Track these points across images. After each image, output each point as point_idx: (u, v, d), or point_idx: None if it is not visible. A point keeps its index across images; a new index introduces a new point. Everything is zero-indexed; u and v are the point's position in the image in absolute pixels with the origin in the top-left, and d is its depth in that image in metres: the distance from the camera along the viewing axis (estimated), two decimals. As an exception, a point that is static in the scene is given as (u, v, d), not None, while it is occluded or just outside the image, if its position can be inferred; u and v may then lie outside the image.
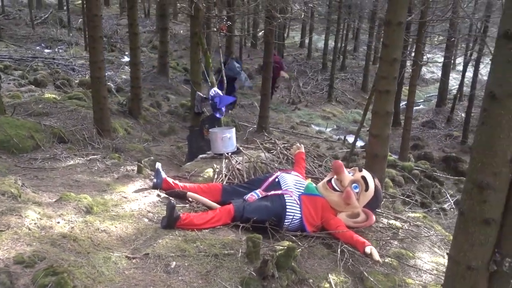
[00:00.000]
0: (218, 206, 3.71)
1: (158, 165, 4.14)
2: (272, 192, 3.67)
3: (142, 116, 7.93)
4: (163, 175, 4.04)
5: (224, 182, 4.32)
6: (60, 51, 13.57)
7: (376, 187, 3.72)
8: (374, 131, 4.26)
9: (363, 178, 3.67)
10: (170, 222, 3.22)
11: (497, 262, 1.69)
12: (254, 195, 3.71)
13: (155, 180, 4.02)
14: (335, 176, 3.75)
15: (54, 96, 7.50)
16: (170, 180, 4.03)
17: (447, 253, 1.83)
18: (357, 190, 3.63)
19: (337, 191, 3.67)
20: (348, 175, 3.73)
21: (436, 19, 8.02)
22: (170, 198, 3.76)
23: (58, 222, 2.87)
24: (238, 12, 9.65)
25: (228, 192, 3.89)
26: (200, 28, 6.24)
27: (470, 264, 1.71)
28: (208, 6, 7.37)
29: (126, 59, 14.24)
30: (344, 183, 3.65)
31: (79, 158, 4.82)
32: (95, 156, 4.95)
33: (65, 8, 19.74)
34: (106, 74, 7.14)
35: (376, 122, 4.23)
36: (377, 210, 4.10)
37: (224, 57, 12.22)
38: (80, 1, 19.53)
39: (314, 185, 3.88)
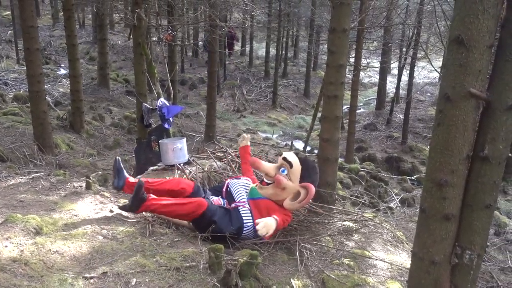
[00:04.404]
0: (185, 222, 3.64)
1: (118, 160, 3.81)
2: (232, 206, 3.66)
3: (84, 130, 7.64)
4: (126, 174, 3.77)
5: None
6: (-11, 65, 12.80)
7: (300, 159, 3.71)
8: (325, 136, 4.35)
9: (284, 158, 3.67)
10: (135, 202, 3.18)
11: (458, 255, 1.78)
12: (220, 200, 3.68)
13: (115, 180, 3.75)
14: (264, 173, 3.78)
15: (-14, 112, 7.07)
16: (133, 180, 3.78)
17: (411, 250, 1.90)
18: (285, 173, 3.63)
19: (269, 183, 3.67)
20: (270, 165, 3.77)
21: (374, 25, 8.36)
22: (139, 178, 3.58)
23: (6, 246, 2.69)
24: (181, 21, 9.57)
25: (200, 190, 3.82)
26: (143, 38, 6.12)
27: (433, 259, 1.79)
28: (147, 15, 7.25)
29: (63, 71, 13.70)
30: (271, 174, 3.64)
31: (21, 177, 4.56)
32: (38, 174, 4.70)
33: (-8, 19, 18.69)
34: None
35: (326, 126, 4.33)
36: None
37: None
38: (8, 12, 18.53)
39: None
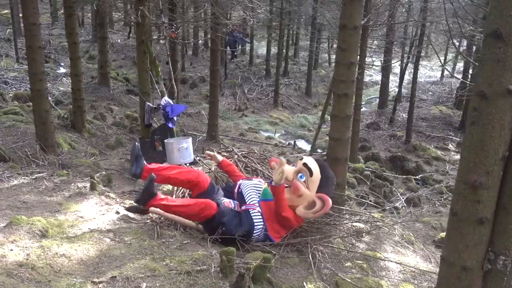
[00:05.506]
0: (193, 223, 3.54)
1: (138, 146, 3.65)
2: (242, 208, 3.57)
3: (86, 129, 7.53)
4: (144, 161, 3.62)
5: (187, 193, 4.17)
6: (-13, 63, 12.64)
7: (321, 167, 3.58)
8: (334, 135, 4.26)
9: (305, 165, 3.54)
10: (144, 195, 3.15)
11: (491, 261, 1.69)
12: (231, 203, 3.58)
13: (133, 167, 3.60)
14: None
15: (-14, 112, 6.97)
16: (152, 166, 3.62)
17: (441, 255, 1.81)
18: (303, 179, 3.50)
19: (287, 187, 3.54)
20: (290, 168, 3.63)
21: (380, 23, 8.27)
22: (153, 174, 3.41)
23: (12, 250, 2.60)
24: (185, 19, 9.48)
25: (214, 188, 3.72)
26: (147, 36, 6.02)
27: (465, 265, 1.70)
28: (150, 13, 7.15)
29: (63, 70, 13.58)
30: (290, 177, 3.51)
31: (23, 177, 4.47)
32: (41, 174, 4.62)
33: (-10, 18, 18.52)
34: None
35: (336, 125, 4.24)
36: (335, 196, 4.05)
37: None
38: (7, 10, 18.36)
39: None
